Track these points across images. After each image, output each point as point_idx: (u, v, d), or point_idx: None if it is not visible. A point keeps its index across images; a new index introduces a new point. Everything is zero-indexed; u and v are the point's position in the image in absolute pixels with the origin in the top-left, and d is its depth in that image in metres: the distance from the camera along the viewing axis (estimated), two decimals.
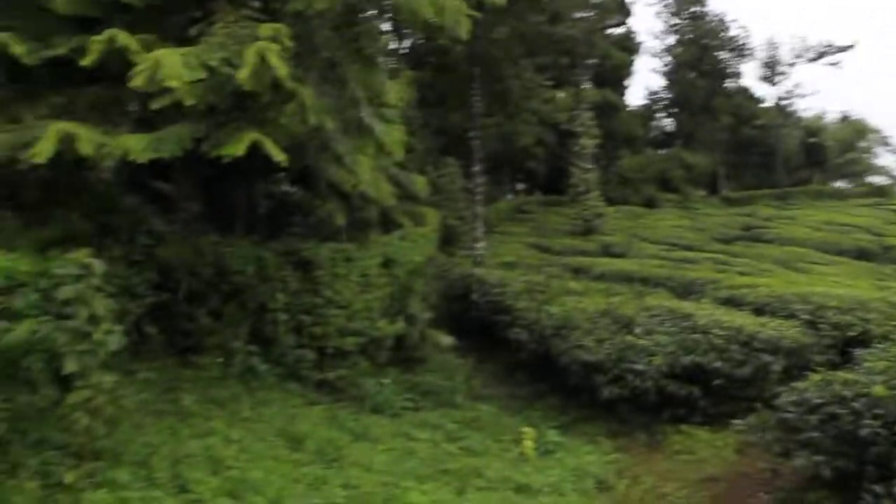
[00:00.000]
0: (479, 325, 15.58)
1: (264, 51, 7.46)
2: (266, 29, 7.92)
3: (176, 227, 11.62)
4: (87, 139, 7.76)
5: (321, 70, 10.58)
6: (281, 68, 7.44)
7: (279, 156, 8.15)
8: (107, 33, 7.73)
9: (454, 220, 26.16)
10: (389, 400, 10.80)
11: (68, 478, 5.85)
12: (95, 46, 7.74)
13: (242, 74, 7.38)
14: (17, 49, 8.20)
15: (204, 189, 13.82)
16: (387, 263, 13.16)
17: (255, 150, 8.18)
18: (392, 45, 30.44)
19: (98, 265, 6.12)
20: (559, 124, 41.93)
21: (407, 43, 32.16)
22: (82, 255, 6.14)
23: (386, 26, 13.09)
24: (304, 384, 10.70)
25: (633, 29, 61.86)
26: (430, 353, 12.98)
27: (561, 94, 43.92)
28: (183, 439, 7.58)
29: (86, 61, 7.84)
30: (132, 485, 6.20)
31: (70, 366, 5.81)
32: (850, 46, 61.94)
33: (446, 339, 13.03)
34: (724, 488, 7.96)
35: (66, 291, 5.95)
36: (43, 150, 7.53)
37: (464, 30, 10.93)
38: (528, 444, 9.42)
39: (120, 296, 7.96)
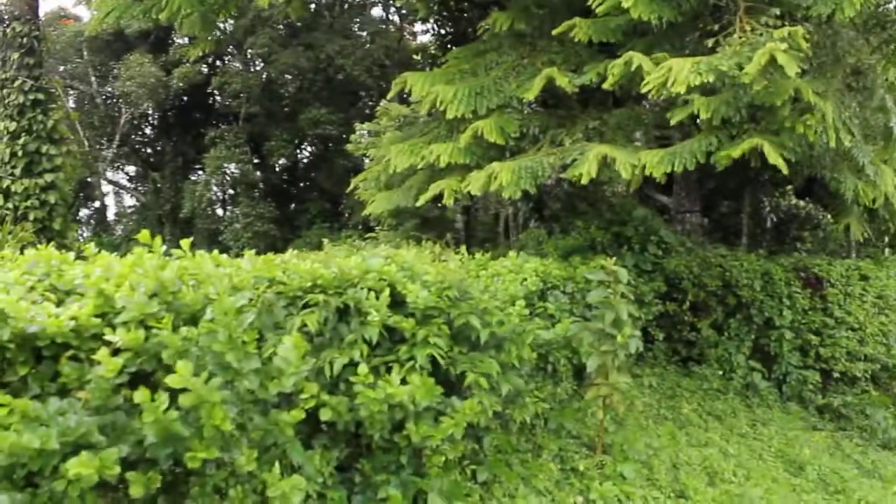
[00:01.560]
0: None
1: (774, 50, 7.24)
2: (780, 32, 7.69)
3: (682, 238, 11.89)
4: (623, 161, 8.34)
5: (844, 78, 10.02)
6: (790, 67, 7.14)
7: (780, 164, 7.87)
8: (624, 56, 8.17)
9: None
10: None
11: (581, 465, 6.39)
12: (615, 70, 8.25)
13: (750, 70, 7.21)
14: (562, 80, 9.12)
15: (704, 202, 13.96)
16: None
17: (761, 162, 8.02)
18: None
19: (623, 273, 6.54)
20: None
21: None
22: (609, 262, 6.60)
23: None
24: (806, 407, 10.28)
25: None
26: None
27: None
28: (681, 446, 7.78)
29: (607, 85, 8.44)
30: (635, 482, 6.54)
31: (592, 364, 6.33)
32: None
33: None
34: None
35: (594, 296, 6.50)
36: (586, 172, 8.29)
37: None
38: None
39: (633, 303, 8.40)
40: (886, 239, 14.62)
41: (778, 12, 8.49)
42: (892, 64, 10.84)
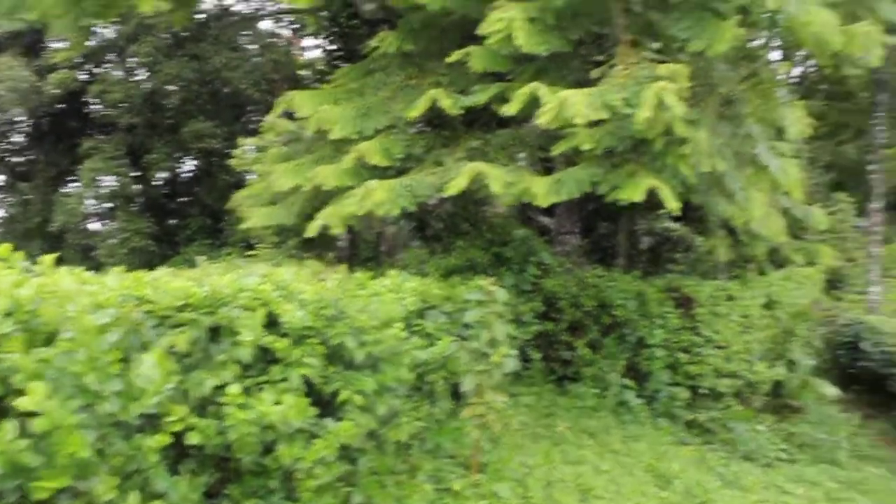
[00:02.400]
0: (868, 377, 14.33)
1: (661, 91, 7.54)
2: (664, 69, 8.01)
3: (561, 259, 12.16)
4: (497, 178, 8.50)
5: (717, 107, 10.49)
6: (677, 108, 7.46)
7: (673, 203, 8.24)
8: (530, 87, 8.32)
9: (843, 262, 24.29)
10: (762, 448, 10.29)
11: (457, 485, 6.41)
12: (519, 97, 8.39)
13: (642, 115, 7.48)
14: (445, 102, 9.23)
15: (583, 223, 14.33)
16: (769, 304, 12.65)
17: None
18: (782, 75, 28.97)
19: (501, 293, 6.64)
20: None
21: (796, 71, 30.37)
22: (487, 282, 6.69)
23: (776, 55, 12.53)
24: (675, 422, 10.60)
25: None
26: (810, 403, 12.14)
27: None
28: (556, 464, 7.90)
29: (511, 109, 8.52)
30: (510, 501, 6.61)
31: (468, 383, 6.38)
32: None
33: (830, 390, 12.11)
34: None
35: (471, 315, 6.56)
36: (456, 185, 8.42)
37: (876, 57, 10.24)
38: None
39: (511, 323, 8.52)
40: (753, 262, 15.31)
41: (658, 45, 8.83)
42: (758, 94, 11.41)
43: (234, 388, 3.96)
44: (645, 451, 9.12)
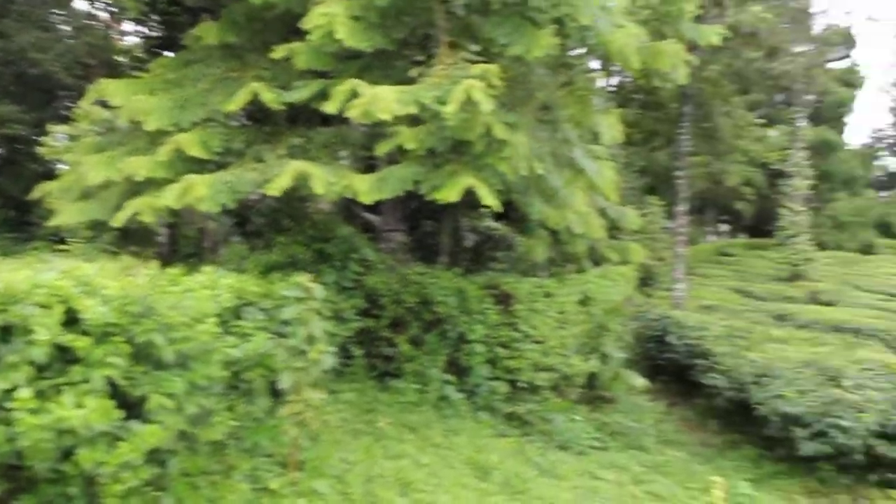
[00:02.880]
0: (673, 368, 15.31)
1: (470, 88, 7.69)
2: (477, 68, 8.18)
3: (384, 256, 12.20)
4: (319, 178, 8.41)
5: (536, 112, 10.81)
6: (485, 104, 7.63)
7: (492, 201, 8.44)
8: (349, 83, 8.29)
9: (653, 260, 25.77)
10: (577, 437, 10.74)
11: (274, 484, 6.30)
12: (339, 96, 8.32)
13: (450, 109, 7.63)
14: (267, 96, 9.04)
15: (409, 221, 14.46)
16: (585, 301, 13.17)
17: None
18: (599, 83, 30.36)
19: (318, 289, 6.58)
20: (769, 164, 40.03)
21: (614, 80, 31.91)
22: (304, 279, 6.61)
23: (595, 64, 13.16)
24: (495, 415, 10.85)
25: (857, 62, 58.15)
26: (621, 394, 12.81)
27: (773, 133, 41.93)
28: (377, 459, 7.90)
29: (330, 108, 8.43)
30: (329, 497, 6.57)
31: (286, 380, 6.28)
32: None
33: (639, 381, 12.82)
34: None
35: (288, 312, 6.47)
36: (278, 185, 8.29)
37: (682, 74, 10.93)
38: (718, 493, 9.09)
39: (331, 319, 8.46)
40: (572, 260, 15.92)
41: (477, 48, 9.01)
42: (575, 101, 11.89)
43: (25, 392, 3.71)
44: (465, 444, 9.27)
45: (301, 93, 9.18)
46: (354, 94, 8.18)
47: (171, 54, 13.17)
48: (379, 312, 11.05)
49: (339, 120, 10.15)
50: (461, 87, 7.72)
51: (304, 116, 10.61)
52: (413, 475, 7.67)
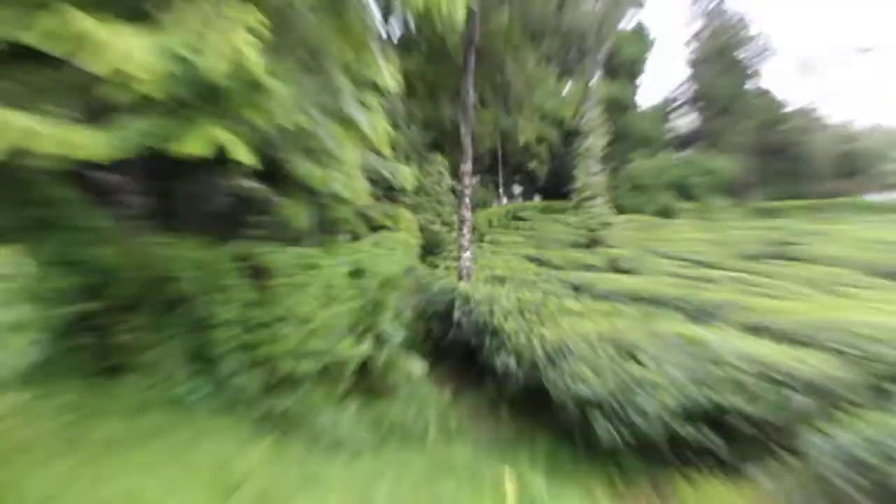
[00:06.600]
0: (461, 349, 15.14)
1: (241, 46, 7.45)
2: (233, 11, 7.73)
3: (117, 224, 11.16)
4: (46, 137, 7.43)
5: (302, 59, 10.31)
6: (258, 65, 7.48)
7: (248, 158, 8.19)
8: (65, 13, 7.31)
9: (439, 227, 25.74)
10: (348, 436, 10.44)
11: None
12: (46, 25, 7.36)
13: (219, 69, 7.41)
14: None
15: (155, 181, 13.41)
16: (356, 273, 12.72)
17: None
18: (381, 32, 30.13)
19: (27, 264, 5.71)
20: (564, 121, 41.58)
21: (396, 30, 31.80)
22: (8, 252, 5.73)
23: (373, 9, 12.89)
24: (249, 414, 10.26)
25: (646, 24, 61.83)
26: (400, 382, 12.50)
27: (567, 87, 43.61)
28: (99, 478, 7.18)
29: (30, 39, 7.45)
30: None
31: None
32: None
33: (417, 366, 12.55)
34: None
35: None
36: None
37: (459, 17, 10.73)
38: (510, 486, 8.98)
39: (43, 301, 7.53)
40: (344, 227, 15.43)
41: None
42: (350, 47, 11.40)
43: None
44: (211, 452, 8.66)
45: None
46: (76, 29, 7.27)
47: None
48: (108, 292, 10.03)
49: (58, 61, 9.12)
50: (230, 45, 7.46)
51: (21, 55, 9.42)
52: (139, 499, 6.91)
